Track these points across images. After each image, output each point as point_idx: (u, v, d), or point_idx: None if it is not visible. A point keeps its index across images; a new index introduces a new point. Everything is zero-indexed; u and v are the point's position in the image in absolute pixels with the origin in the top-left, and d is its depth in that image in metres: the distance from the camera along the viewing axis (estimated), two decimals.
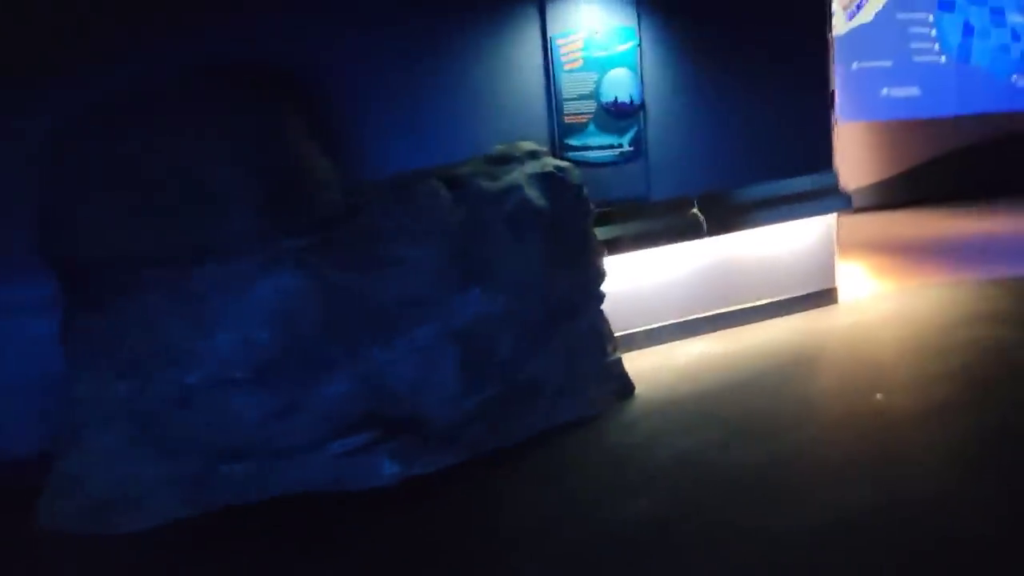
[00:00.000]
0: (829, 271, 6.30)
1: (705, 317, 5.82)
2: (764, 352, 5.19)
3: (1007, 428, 3.59)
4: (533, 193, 4.43)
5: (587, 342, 4.69)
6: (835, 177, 6.16)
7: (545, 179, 4.49)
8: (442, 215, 4.24)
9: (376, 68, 4.75)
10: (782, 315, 6.02)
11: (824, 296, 6.25)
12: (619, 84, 5.38)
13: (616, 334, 5.04)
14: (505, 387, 4.33)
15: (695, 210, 5.62)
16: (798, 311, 6.10)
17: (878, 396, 4.14)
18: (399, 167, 4.61)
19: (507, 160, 4.62)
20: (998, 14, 13.76)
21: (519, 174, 4.47)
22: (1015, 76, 14.04)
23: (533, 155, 4.71)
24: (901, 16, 12.97)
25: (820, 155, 6.13)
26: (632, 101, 5.42)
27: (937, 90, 13.41)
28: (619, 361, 4.83)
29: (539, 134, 5.21)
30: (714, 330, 5.81)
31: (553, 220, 4.48)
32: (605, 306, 4.86)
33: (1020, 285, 6.20)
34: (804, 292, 6.16)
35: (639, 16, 5.40)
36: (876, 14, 12.69)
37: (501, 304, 4.34)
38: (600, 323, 4.80)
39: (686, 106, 5.64)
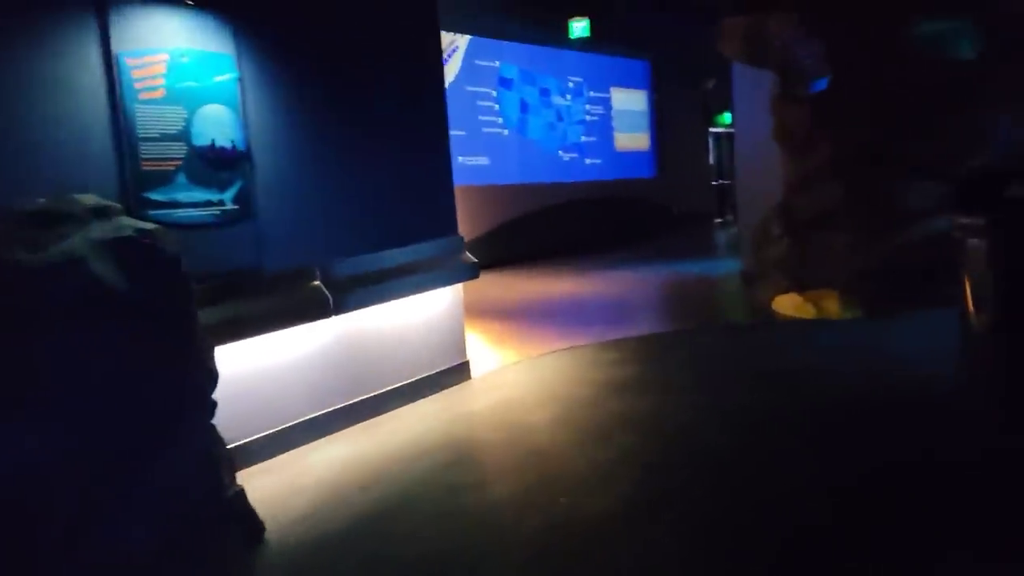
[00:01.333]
0: (460, 345, 5.79)
1: (337, 410, 4.80)
2: (415, 451, 4.35)
3: (720, 526, 3.26)
4: (104, 268, 2.97)
5: (195, 474, 3.32)
6: (461, 243, 5.70)
7: (124, 248, 3.06)
8: None
9: None
10: (420, 397, 5.30)
11: (458, 373, 5.70)
12: (216, 124, 4.15)
13: (228, 446, 3.75)
14: (68, 573, 2.76)
15: (318, 283, 4.61)
16: (435, 391, 5.44)
17: (562, 500, 3.58)
18: None
19: (58, 220, 3.07)
20: (545, 95, 15.43)
21: (80, 241, 2.97)
22: (561, 151, 15.89)
23: (100, 213, 3.23)
24: (470, 89, 13.73)
25: (445, 219, 5.63)
26: (235, 147, 4.23)
27: (502, 160, 14.46)
28: (242, 494, 3.53)
29: (105, 184, 3.71)
30: (349, 424, 4.82)
31: (138, 306, 3.06)
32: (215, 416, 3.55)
33: (634, 346, 6.43)
34: (438, 370, 5.54)
35: (238, 44, 4.28)
36: (449, 84, 13.20)
37: (56, 440, 2.79)
38: (212, 444, 3.46)
39: (303, 159, 4.64)
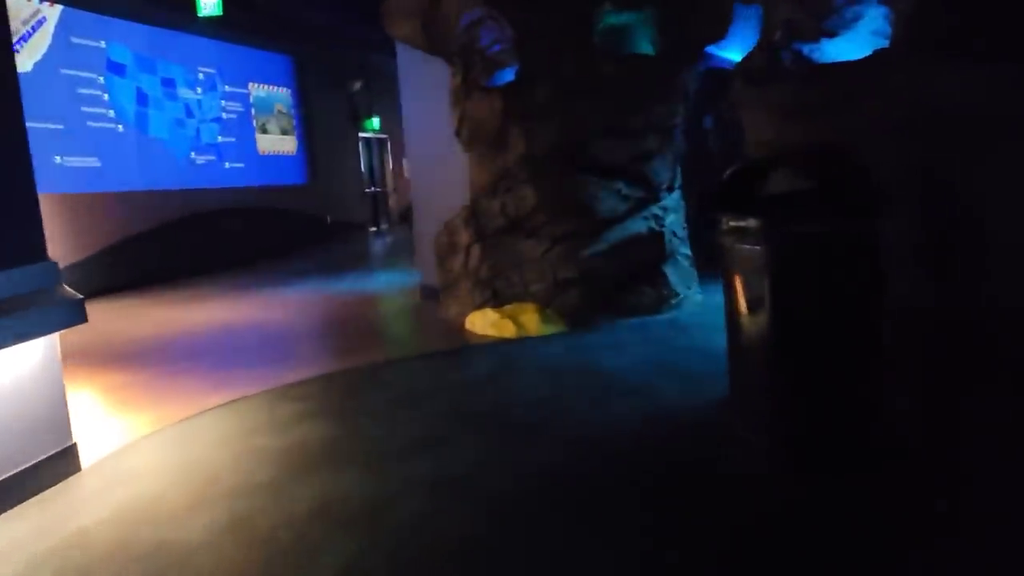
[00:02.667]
0: (60, 422, 3.89)
1: None
2: None
3: None
4: None
5: None
6: (55, 273, 3.82)
7: None
8: None
9: None
10: None
11: (58, 464, 3.81)
12: None
13: None
14: None
15: None
16: (19, 502, 3.52)
17: None
18: None
19: None
20: (170, 86, 13.08)
21: None
22: (194, 153, 13.62)
23: None
24: (67, 72, 10.96)
25: (24, 239, 3.71)
26: None
27: (119, 161, 11.85)
28: None
29: None
30: None
31: None
32: None
33: (317, 392, 5.02)
34: (24, 466, 3.61)
35: None
36: (35, 64, 10.38)
37: None
38: None
39: None
